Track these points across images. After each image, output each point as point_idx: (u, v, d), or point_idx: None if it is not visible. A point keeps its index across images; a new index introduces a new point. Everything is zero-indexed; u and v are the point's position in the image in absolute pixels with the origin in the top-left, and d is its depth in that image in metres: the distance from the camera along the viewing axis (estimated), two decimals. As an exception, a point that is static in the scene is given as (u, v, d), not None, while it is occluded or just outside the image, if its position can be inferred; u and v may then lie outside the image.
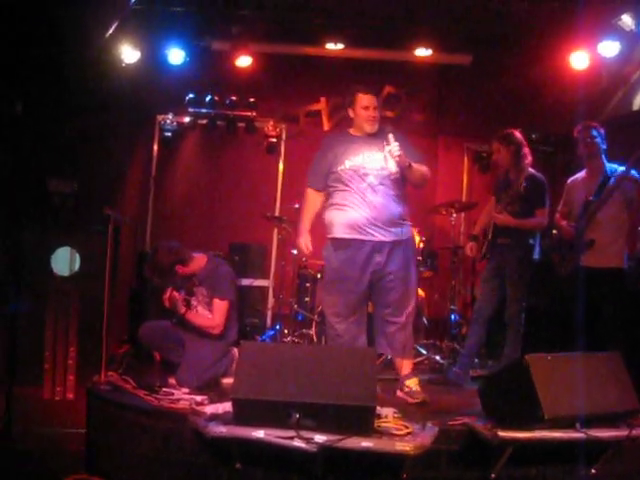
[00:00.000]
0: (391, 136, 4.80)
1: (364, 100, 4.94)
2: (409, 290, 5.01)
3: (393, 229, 4.90)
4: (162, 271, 5.20)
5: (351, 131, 5.10)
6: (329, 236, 5.02)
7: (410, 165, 4.82)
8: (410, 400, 4.89)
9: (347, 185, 4.90)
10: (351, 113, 5.04)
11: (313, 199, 5.11)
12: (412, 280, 5.04)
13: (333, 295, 5.03)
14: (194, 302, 5.27)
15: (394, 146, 4.76)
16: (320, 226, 5.13)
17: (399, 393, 5.00)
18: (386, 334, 5.01)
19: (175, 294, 5.17)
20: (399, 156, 4.76)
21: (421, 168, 4.96)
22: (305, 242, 5.09)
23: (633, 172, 5.21)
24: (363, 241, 4.86)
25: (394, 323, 4.97)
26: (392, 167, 4.87)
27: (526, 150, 5.69)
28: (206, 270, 5.26)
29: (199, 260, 5.29)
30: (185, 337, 5.22)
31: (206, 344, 5.15)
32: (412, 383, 5.01)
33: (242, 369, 3.69)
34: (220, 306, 5.16)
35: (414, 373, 5.13)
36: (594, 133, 5.39)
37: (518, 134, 5.74)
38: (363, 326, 5.09)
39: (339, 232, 4.93)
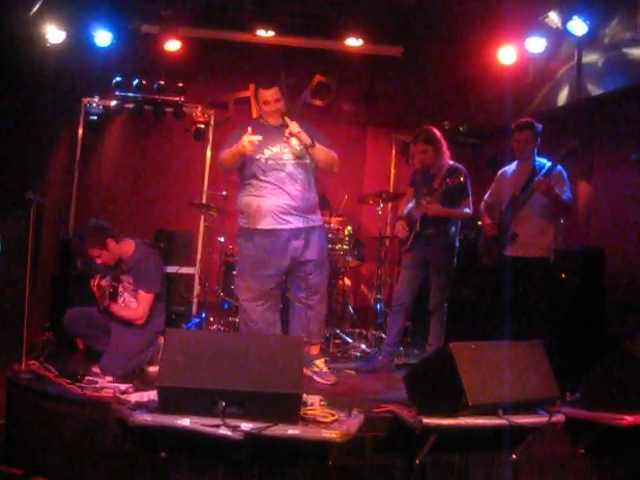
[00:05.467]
0: (287, 118, 4.90)
1: (264, 95, 5.03)
2: (324, 274, 5.25)
3: (309, 216, 5.06)
4: (95, 239, 5.12)
5: (263, 121, 5.17)
6: (245, 225, 5.10)
7: (313, 143, 4.92)
8: (319, 380, 5.10)
9: (266, 174, 5.00)
10: (258, 109, 5.23)
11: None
12: (326, 265, 5.30)
13: (249, 281, 5.10)
14: (120, 289, 5.19)
15: (293, 125, 4.87)
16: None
17: (307, 371, 5.07)
18: (302, 318, 5.17)
19: (102, 283, 5.07)
20: (299, 132, 4.87)
21: (326, 149, 5.06)
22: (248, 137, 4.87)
23: (558, 168, 5.32)
24: (281, 229, 4.99)
25: (311, 307, 5.15)
26: (296, 146, 4.97)
27: (445, 144, 5.78)
28: (134, 258, 5.18)
29: (127, 245, 5.22)
30: (111, 325, 5.14)
31: (132, 332, 5.08)
32: (321, 363, 5.24)
33: (168, 357, 3.63)
34: (144, 298, 5.10)
35: (321, 354, 5.37)
36: (529, 136, 5.44)
37: (437, 130, 5.81)
38: (277, 311, 5.24)
39: (257, 222, 5.02)
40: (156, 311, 5.20)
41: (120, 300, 5.18)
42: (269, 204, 4.97)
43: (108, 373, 4.73)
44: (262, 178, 5.00)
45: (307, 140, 4.90)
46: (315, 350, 5.27)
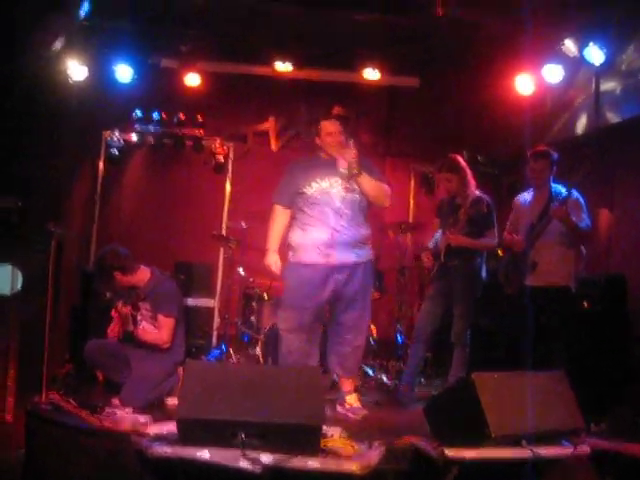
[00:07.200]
0: (351, 142, 4.94)
1: (328, 126, 5.10)
2: (366, 310, 5.17)
3: (354, 251, 5.02)
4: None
5: (320, 154, 5.21)
6: (292, 259, 5.11)
7: (360, 172, 4.92)
8: (351, 416, 5.01)
9: (312, 208, 5.02)
10: (318, 141, 5.18)
11: (280, 216, 5.18)
12: (369, 301, 5.20)
13: (289, 312, 5.11)
14: (138, 317, 5.22)
15: (350, 150, 4.90)
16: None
17: (339, 408, 5.09)
18: (340, 353, 5.16)
19: (125, 310, 5.10)
20: (353, 160, 4.87)
21: (376, 181, 5.06)
22: (274, 261, 5.13)
23: (575, 194, 5.29)
24: (323, 264, 4.98)
25: (350, 343, 5.12)
26: (344, 171, 4.95)
27: (470, 173, 5.77)
28: (149, 285, 5.23)
29: (143, 273, 5.27)
30: (131, 355, 5.16)
31: (152, 363, 5.10)
32: (352, 399, 5.16)
33: (187, 388, 3.62)
34: (165, 322, 5.15)
35: (354, 389, 5.27)
36: (544, 165, 5.45)
37: (461, 159, 5.81)
38: (315, 344, 5.20)
39: (300, 255, 5.05)
40: (176, 340, 5.21)
41: (139, 328, 5.21)
42: (312, 238, 4.99)
43: (128, 404, 4.73)
44: (307, 212, 5.03)
45: (355, 169, 4.90)
46: (349, 386, 5.21)
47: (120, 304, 5.11)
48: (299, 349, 5.04)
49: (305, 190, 5.02)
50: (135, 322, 5.19)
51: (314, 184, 5.02)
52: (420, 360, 5.83)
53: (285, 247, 5.20)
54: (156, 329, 5.17)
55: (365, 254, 5.12)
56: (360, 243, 5.08)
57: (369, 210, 5.19)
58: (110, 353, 5.26)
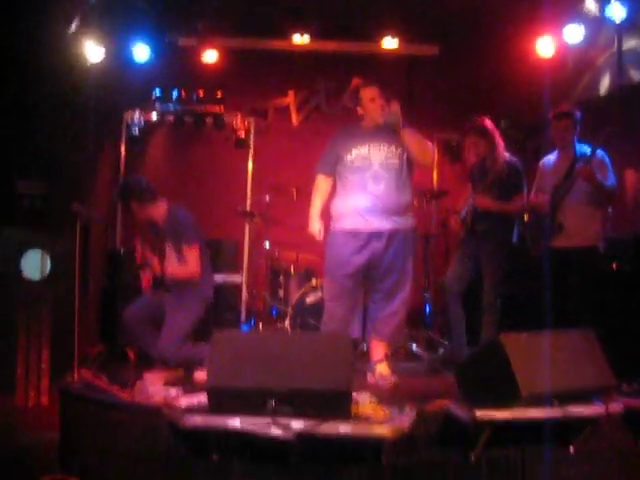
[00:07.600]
0: (394, 102, 4.95)
1: (369, 93, 5.08)
2: (404, 278, 5.10)
3: (393, 218, 4.99)
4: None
5: (362, 123, 5.19)
6: (332, 228, 5.13)
7: (404, 127, 4.93)
8: (381, 383, 4.99)
9: (351, 174, 5.02)
10: (360, 110, 5.16)
11: (322, 184, 5.22)
12: (408, 269, 5.12)
13: (330, 281, 5.14)
14: (165, 263, 5.26)
15: (394, 104, 4.92)
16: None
17: (370, 378, 5.08)
18: (375, 319, 5.16)
19: (149, 255, 5.20)
20: (399, 110, 4.88)
21: (419, 136, 5.06)
22: (317, 228, 5.15)
23: (600, 153, 5.23)
24: (361, 229, 4.97)
25: (385, 309, 5.10)
26: (390, 120, 4.93)
27: (498, 136, 5.71)
28: (168, 221, 5.28)
29: (160, 208, 5.33)
30: (165, 302, 5.21)
31: (183, 308, 5.16)
32: (383, 367, 5.13)
33: (216, 358, 3.64)
34: (190, 253, 5.15)
35: (385, 357, 5.22)
36: (567, 124, 5.41)
37: (489, 122, 5.75)
38: (356, 312, 5.28)
39: (339, 222, 5.07)
40: (203, 273, 5.27)
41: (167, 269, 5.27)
42: (351, 205, 5.00)
43: (165, 353, 4.94)
44: (347, 179, 5.04)
45: (396, 121, 4.90)
46: (379, 354, 5.18)
47: (147, 252, 5.17)
48: (341, 317, 5.08)
49: (345, 157, 5.03)
50: (163, 266, 5.23)
51: (354, 150, 5.02)
52: (459, 319, 5.74)
53: (328, 216, 5.22)
54: (183, 265, 5.18)
55: (405, 221, 5.07)
56: (400, 210, 5.03)
57: (411, 176, 5.13)
58: (146, 314, 5.24)
